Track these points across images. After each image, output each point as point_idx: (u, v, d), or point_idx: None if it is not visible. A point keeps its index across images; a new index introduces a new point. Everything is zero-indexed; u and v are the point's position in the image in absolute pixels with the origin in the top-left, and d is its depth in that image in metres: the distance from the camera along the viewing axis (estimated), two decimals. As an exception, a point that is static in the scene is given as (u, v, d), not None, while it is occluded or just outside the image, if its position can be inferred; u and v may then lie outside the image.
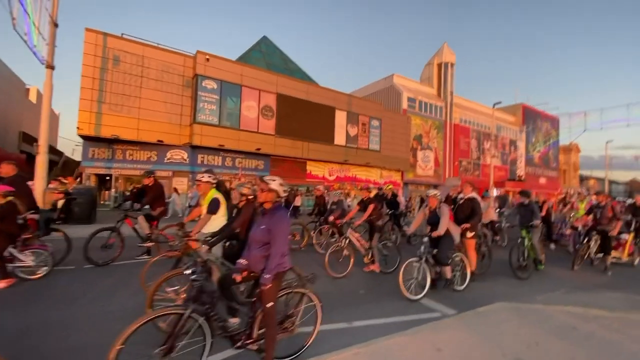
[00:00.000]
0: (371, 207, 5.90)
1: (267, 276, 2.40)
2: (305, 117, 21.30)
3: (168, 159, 17.71)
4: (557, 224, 9.95)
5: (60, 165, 27.03)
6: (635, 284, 5.99)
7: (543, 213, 9.35)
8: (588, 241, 6.86)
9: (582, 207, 8.29)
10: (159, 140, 16.91)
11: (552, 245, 9.35)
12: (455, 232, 4.87)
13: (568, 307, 4.37)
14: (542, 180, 41.64)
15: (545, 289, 5.43)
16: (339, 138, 23.33)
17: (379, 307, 4.28)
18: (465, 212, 5.53)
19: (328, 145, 22.76)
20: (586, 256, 6.92)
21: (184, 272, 2.45)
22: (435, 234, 4.51)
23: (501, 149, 36.41)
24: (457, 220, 5.55)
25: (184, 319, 2.30)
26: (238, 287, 3.31)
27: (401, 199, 9.86)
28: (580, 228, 7.76)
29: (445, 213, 4.71)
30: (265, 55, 24.59)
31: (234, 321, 2.76)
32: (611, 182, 64.73)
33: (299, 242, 7.70)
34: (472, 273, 5.62)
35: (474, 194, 5.60)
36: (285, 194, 2.68)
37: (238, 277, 2.59)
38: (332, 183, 23.94)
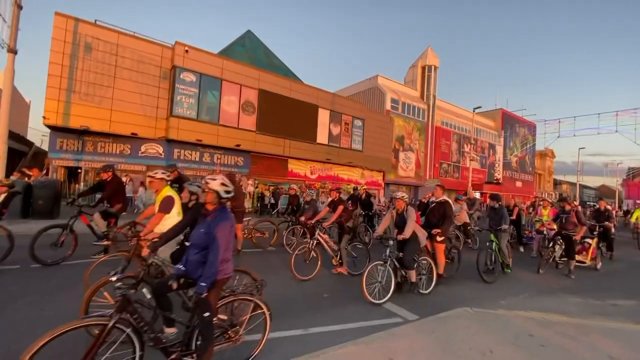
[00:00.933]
0: (340, 207, 5.78)
1: (203, 284, 2.21)
2: (287, 114, 20.99)
3: (142, 153, 17.02)
4: (528, 228, 10.17)
5: (30, 156, 25.63)
6: (596, 288, 6.14)
7: (513, 217, 9.55)
8: (553, 245, 7.01)
9: (546, 213, 8.49)
10: (132, 133, 16.21)
11: (522, 248, 9.55)
12: (422, 235, 4.80)
13: (528, 313, 4.38)
14: (519, 184, 42.97)
15: (510, 293, 5.47)
16: (322, 136, 23.16)
17: (340, 311, 4.15)
18: (437, 215, 5.50)
19: (310, 144, 22.54)
20: (551, 260, 7.07)
21: (110, 279, 2.22)
22: (400, 237, 4.43)
23: (480, 152, 37.27)
24: (429, 224, 5.52)
25: (107, 330, 2.08)
26: (186, 293, 3.09)
27: (380, 200, 9.81)
28: (545, 232, 7.92)
29: (412, 216, 4.64)
30: (248, 49, 24.09)
31: (170, 332, 2.55)
32: (583, 187, 67.70)
33: (268, 240, 7.50)
34: (440, 276, 5.61)
35: (445, 197, 5.57)
36: (229, 195, 2.48)
37: (174, 285, 2.38)
38: (314, 182, 23.78)
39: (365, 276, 4.29)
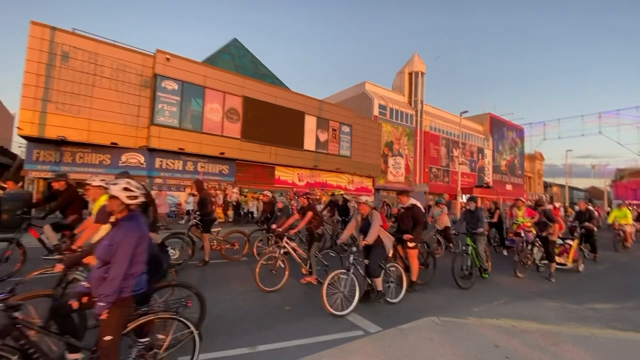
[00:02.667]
0: (309, 214, 5.53)
1: (101, 304, 1.94)
2: (273, 121, 20.82)
3: (123, 163, 16.61)
4: (511, 230, 10.00)
5: (14, 169, 24.95)
6: (576, 292, 5.95)
7: (495, 219, 9.39)
8: (531, 248, 6.82)
9: (520, 213, 8.34)
10: (112, 143, 15.84)
11: (505, 252, 9.36)
12: (388, 241, 4.57)
13: (499, 321, 4.15)
14: (509, 187, 43.20)
15: (485, 299, 5.23)
16: (309, 143, 23.00)
17: (298, 325, 3.87)
18: (407, 222, 5.29)
19: (297, 150, 22.36)
20: (530, 263, 6.87)
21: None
22: (363, 242, 4.18)
23: (469, 156, 37.46)
24: (401, 231, 5.31)
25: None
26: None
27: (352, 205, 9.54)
28: (523, 234, 7.75)
29: (377, 220, 4.41)
30: (234, 57, 23.99)
31: (72, 358, 2.25)
32: (572, 189, 68.47)
33: (238, 251, 7.17)
34: (415, 283, 5.37)
35: (413, 202, 5.36)
36: (134, 201, 2.21)
37: (74, 304, 2.10)
38: (302, 189, 23.51)
39: (325, 286, 4.03)
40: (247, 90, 19.89)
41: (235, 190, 18.96)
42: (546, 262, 6.86)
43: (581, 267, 7.55)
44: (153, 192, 16.12)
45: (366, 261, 4.43)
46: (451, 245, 8.93)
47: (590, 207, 9.02)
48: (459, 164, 28.28)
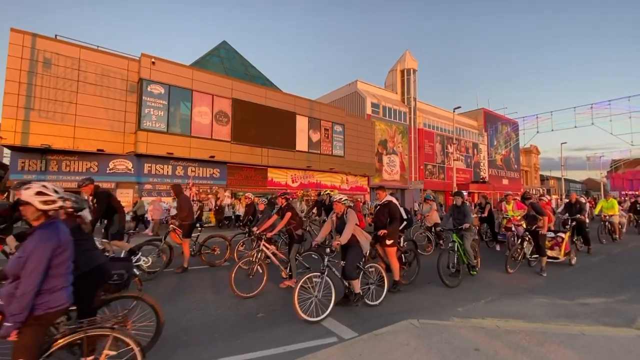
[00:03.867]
0: (288, 215, 5.31)
1: (8, 324, 1.70)
2: (263, 122, 20.59)
3: (111, 170, 16.34)
4: (502, 225, 9.81)
5: (5, 180, 24.60)
6: (567, 286, 5.74)
7: (485, 214, 9.20)
8: (521, 242, 6.62)
9: (510, 208, 8.14)
10: (98, 149, 15.56)
11: (497, 247, 9.16)
12: (365, 240, 4.34)
13: (483, 321, 3.94)
14: (505, 182, 43.09)
15: (472, 297, 5.02)
16: (301, 144, 22.76)
17: (269, 334, 3.64)
18: (383, 219, 5.08)
19: (289, 151, 22.12)
20: (521, 258, 6.67)
21: None
22: (335, 243, 3.96)
23: (464, 152, 37.32)
24: (377, 229, 5.10)
25: None
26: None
27: None
28: (513, 229, 7.55)
29: (352, 219, 4.19)
30: (223, 60, 23.76)
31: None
32: (569, 181, 68.57)
33: (219, 257, 6.91)
34: (398, 283, 5.15)
35: (389, 198, 5.16)
36: (50, 206, 1.97)
37: (-17, 325, 1.86)
38: (295, 190, 23.29)
39: (297, 291, 3.80)
40: (236, 92, 19.64)
41: (227, 193, 18.71)
42: (537, 256, 6.66)
43: (574, 260, 7.35)
44: (149, 199, 15.85)
45: (342, 263, 4.21)
46: (441, 242, 8.73)
47: (581, 199, 8.84)
48: (454, 160, 28.14)
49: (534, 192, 44.20)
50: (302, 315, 3.77)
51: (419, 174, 32.18)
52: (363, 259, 4.38)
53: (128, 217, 13.17)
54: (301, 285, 3.86)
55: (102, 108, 15.82)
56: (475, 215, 9.82)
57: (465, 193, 32.95)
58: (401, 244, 6.27)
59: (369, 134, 28.11)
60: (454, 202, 6.25)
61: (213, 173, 19.32)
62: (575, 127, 24.97)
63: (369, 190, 28.25)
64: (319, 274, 4.00)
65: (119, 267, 3.45)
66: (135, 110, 16.55)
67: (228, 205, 17.56)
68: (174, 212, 16.29)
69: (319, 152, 23.81)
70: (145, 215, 14.84)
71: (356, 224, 4.30)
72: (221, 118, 18.94)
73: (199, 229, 6.91)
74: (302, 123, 22.86)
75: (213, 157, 18.31)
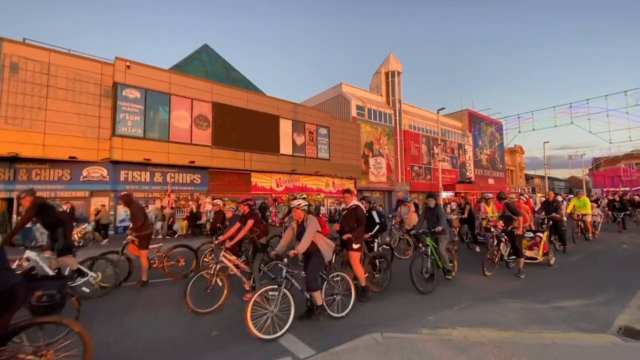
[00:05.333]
0: (250, 222, 4.99)
1: None
2: (246, 126, 20.21)
3: (84, 178, 15.69)
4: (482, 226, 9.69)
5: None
6: (543, 288, 5.57)
7: (465, 215, 9.06)
8: (498, 244, 6.45)
9: (490, 209, 7.99)
10: (71, 157, 14.90)
11: (477, 248, 9.01)
12: (327, 248, 4.06)
13: (455, 331, 3.70)
14: (491, 181, 43.60)
15: (444, 304, 4.78)
16: (285, 147, 22.44)
17: (218, 356, 3.31)
18: (350, 223, 4.81)
19: (273, 155, 21.76)
20: (498, 260, 6.49)
21: None
22: (292, 252, 3.65)
23: (450, 153, 37.62)
24: (342, 233, 4.83)
25: None
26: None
27: (321, 209, 9.02)
28: (493, 230, 7.39)
29: (311, 226, 3.90)
30: (205, 63, 23.33)
31: None
32: (553, 180, 70.03)
33: (186, 267, 6.51)
34: (366, 290, 4.88)
35: (356, 202, 4.91)
36: None
37: None
38: (280, 194, 22.93)
39: (250, 306, 3.48)
40: (217, 96, 19.23)
41: (209, 199, 18.22)
42: (515, 257, 6.50)
43: (552, 260, 7.23)
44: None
45: (302, 273, 3.91)
46: (420, 244, 8.50)
47: (559, 198, 8.77)
48: (439, 161, 28.28)
49: (520, 190, 44.88)
50: (256, 333, 3.45)
51: (405, 176, 32.22)
52: (326, 268, 4.09)
53: (90, 227, 12.55)
54: (255, 300, 3.53)
55: (74, 114, 15.20)
56: (455, 216, 9.69)
57: (451, 193, 33.10)
58: (374, 249, 6.04)
59: (355, 136, 28.01)
60: (427, 205, 6.04)
61: (194, 179, 18.81)
62: (555, 126, 25.37)
63: (355, 192, 28.05)
64: (275, 286, 3.69)
65: (49, 287, 3.08)
66: (110, 116, 15.97)
67: (209, 212, 17.06)
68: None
69: (303, 155, 23.52)
70: (110, 225, 13.92)
71: (318, 231, 4.01)
72: (201, 122, 18.49)
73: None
74: (285, 126, 22.56)
75: (193, 162, 17.81)
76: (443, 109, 26.83)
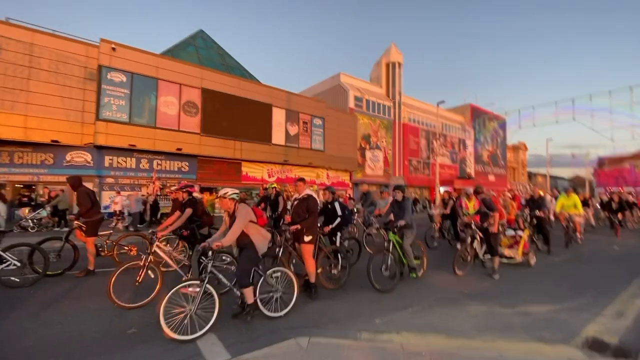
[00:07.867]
0: (188, 211, 4.60)
1: None
2: (237, 114, 19.74)
3: (68, 162, 15.41)
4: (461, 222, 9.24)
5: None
6: (514, 291, 5.15)
7: (447, 211, 8.63)
8: (471, 242, 6.02)
9: (471, 205, 7.50)
10: (53, 140, 14.61)
11: (458, 245, 8.57)
12: (262, 240, 3.66)
13: (398, 336, 3.31)
14: (492, 178, 42.86)
15: (399, 305, 4.38)
16: (278, 137, 21.98)
17: (125, 357, 2.95)
18: (302, 214, 4.41)
19: (265, 145, 21.33)
20: (472, 258, 6.07)
21: None
22: (215, 245, 3.25)
23: (450, 148, 36.88)
24: (292, 224, 4.43)
25: None
26: None
27: (287, 202, 8.62)
28: (474, 226, 6.95)
29: (241, 217, 3.49)
30: (199, 49, 22.76)
31: None
32: (556, 178, 68.93)
33: (135, 258, 6.12)
34: (314, 287, 4.50)
35: (309, 192, 4.49)
36: None
37: None
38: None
39: (163, 304, 3.10)
40: (207, 82, 18.75)
41: (196, 188, 17.86)
42: (489, 256, 6.07)
43: (532, 261, 6.79)
44: (126, 193, 14.43)
45: (233, 268, 3.53)
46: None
47: (548, 197, 8.27)
48: (437, 155, 27.67)
49: (530, 187, 44.03)
50: (169, 333, 3.09)
51: (402, 170, 31.67)
52: (258, 263, 3.70)
53: (45, 213, 12.14)
54: (170, 297, 3.16)
55: (57, 96, 14.84)
56: (436, 211, 9.26)
57: (447, 189, 32.62)
58: (336, 243, 5.64)
59: (351, 128, 27.43)
60: (394, 197, 5.61)
61: (182, 167, 18.48)
62: (557, 122, 24.59)
63: (351, 185, 27.64)
64: (197, 282, 3.31)
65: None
66: (94, 100, 15.59)
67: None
68: (115, 207, 14.77)
69: (297, 145, 23.06)
70: (68, 210, 12.97)
71: (252, 221, 3.61)
72: (189, 109, 18.06)
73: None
74: (278, 115, 22.07)
75: (180, 149, 17.45)
76: (443, 102, 26.12)
